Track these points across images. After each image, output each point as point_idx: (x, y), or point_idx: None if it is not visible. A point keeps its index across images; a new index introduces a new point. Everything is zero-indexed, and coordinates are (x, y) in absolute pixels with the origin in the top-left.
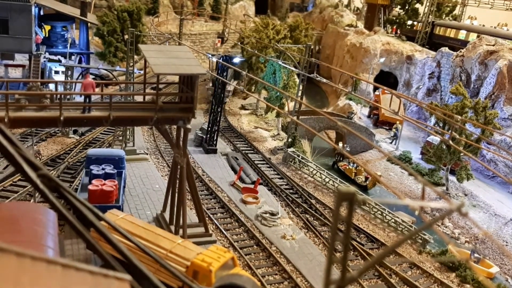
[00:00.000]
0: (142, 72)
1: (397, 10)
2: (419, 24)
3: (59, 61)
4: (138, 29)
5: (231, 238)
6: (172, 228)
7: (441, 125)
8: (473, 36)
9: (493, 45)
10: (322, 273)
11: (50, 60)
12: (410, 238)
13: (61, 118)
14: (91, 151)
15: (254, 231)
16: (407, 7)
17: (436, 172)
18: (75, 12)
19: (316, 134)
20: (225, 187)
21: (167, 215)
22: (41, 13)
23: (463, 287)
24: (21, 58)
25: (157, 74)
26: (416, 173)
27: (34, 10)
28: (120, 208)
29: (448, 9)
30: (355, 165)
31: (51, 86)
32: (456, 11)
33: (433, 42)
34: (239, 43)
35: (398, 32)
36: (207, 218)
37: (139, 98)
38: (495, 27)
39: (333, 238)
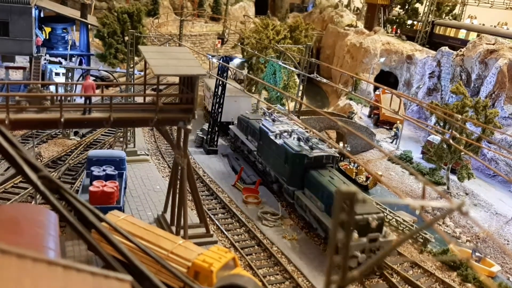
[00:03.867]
0: (142, 73)
1: (397, 9)
2: (419, 23)
3: (60, 63)
4: (138, 30)
5: (232, 239)
6: (173, 228)
7: (441, 124)
8: (473, 35)
9: (493, 44)
10: (323, 272)
11: (51, 62)
12: (411, 238)
13: (62, 119)
14: (92, 152)
15: (255, 231)
16: (407, 7)
17: (437, 172)
18: (75, 14)
19: (317, 134)
20: (226, 188)
21: (168, 216)
22: (42, 15)
23: (465, 286)
24: (21, 60)
25: (157, 75)
26: (417, 173)
27: (34, 12)
28: (121, 209)
29: (448, 8)
30: (356, 164)
31: (52, 88)
32: (456, 11)
33: (433, 41)
34: (239, 44)
35: (398, 31)
36: (208, 219)
37: (139, 99)
38: (495, 26)
39: (334, 238)
